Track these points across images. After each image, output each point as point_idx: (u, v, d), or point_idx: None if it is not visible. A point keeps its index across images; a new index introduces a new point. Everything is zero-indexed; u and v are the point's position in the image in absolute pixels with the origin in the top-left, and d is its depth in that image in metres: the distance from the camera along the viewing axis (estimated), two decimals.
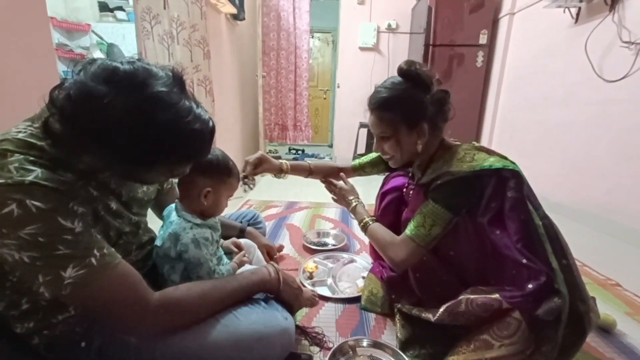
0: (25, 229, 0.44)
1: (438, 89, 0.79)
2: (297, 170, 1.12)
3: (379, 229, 0.87)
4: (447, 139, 0.86)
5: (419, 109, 0.78)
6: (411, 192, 0.90)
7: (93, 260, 0.49)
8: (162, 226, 0.80)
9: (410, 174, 0.95)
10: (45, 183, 0.46)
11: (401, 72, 0.79)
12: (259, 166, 1.05)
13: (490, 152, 0.78)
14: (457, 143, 0.85)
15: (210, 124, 0.56)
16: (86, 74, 0.46)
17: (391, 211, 0.94)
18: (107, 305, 0.52)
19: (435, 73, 0.80)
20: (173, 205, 0.81)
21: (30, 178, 0.45)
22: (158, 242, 0.76)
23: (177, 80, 0.53)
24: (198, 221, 0.76)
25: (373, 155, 1.12)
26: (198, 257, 0.72)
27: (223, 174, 0.79)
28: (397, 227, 0.88)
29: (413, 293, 0.90)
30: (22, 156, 0.46)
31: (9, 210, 0.43)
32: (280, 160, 1.09)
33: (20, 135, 0.49)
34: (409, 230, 0.78)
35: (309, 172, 1.13)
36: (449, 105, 0.81)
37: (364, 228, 0.89)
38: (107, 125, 0.46)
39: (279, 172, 1.09)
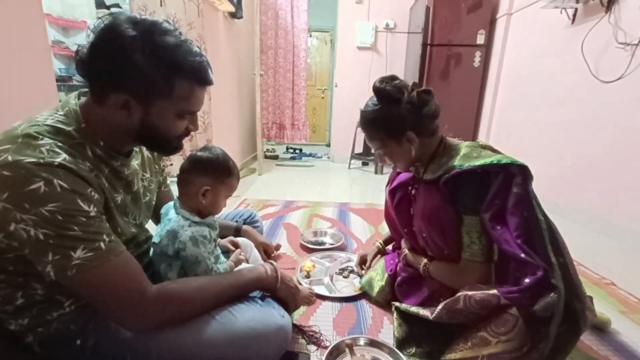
0: (47, 206, 0.47)
1: (418, 90, 0.80)
2: (387, 244, 1.21)
3: (438, 265, 0.87)
4: (449, 137, 0.87)
5: (397, 123, 0.81)
6: (415, 189, 0.91)
7: (102, 244, 0.52)
8: (161, 223, 0.80)
9: (414, 171, 0.96)
10: (71, 166, 0.50)
11: (374, 91, 0.83)
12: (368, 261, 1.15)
13: (495, 150, 0.79)
14: (460, 140, 0.86)
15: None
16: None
17: (404, 209, 0.94)
18: (107, 291, 0.53)
19: (407, 82, 0.82)
20: (171, 203, 0.81)
21: (59, 160, 0.49)
22: (156, 239, 0.76)
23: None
24: (196, 219, 0.76)
25: None
26: (196, 254, 0.72)
27: (222, 174, 0.78)
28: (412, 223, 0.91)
29: (420, 294, 0.91)
30: (52, 140, 0.51)
31: (36, 186, 0.46)
32: (376, 244, 1.19)
33: (49, 121, 0.53)
34: (464, 254, 0.78)
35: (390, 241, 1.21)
36: (431, 103, 0.82)
37: (426, 270, 0.89)
38: (128, 37, 0.52)
39: (379, 254, 1.18)
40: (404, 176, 0.96)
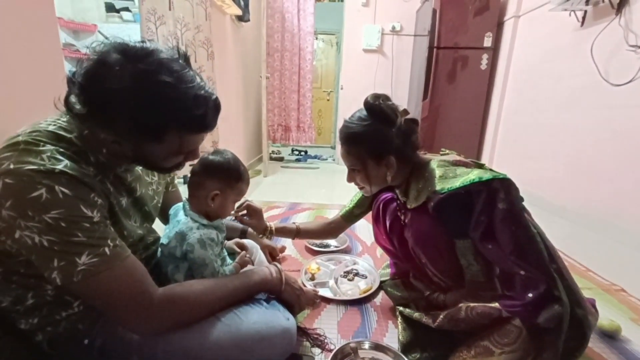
0: (50, 213, 0.47)
1: (406, 118, 0.78)
2: (283, 232, 1.09)
3: (450, 296, 0.84)
4: (419, 155, 0.85)
5: (383, 144, 0.78)
6: (403, 214, 0.88)
7: (106, 249, 0.52)
8: (169, 224, 0.81)
9: (397, 197, 0.93)
10: (72, 173, 0.50)
11: (366, 106, 0.79)
12: (250, 216, 1.03)
13: (468, 165, 0.76)
14: (428, 157, 0.83)
15: (214, 97, 0.58)
16: (102, 49, 0.52)
17: (399, 236, 0.91)
18: (113, 296, 0.53)
19: (399, 107, 0.80)
20: (180, 204, 0.81)
21: (60, 167, 0.49)
22: (164, 241, 0.77)
23: (182, 55, 0.58)
24: (205, 222, 0.76)
25: (356, 197, 1.11)
26: (203, 257, 0.72)
27: (232, 178, 0.78)
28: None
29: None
30: (53, 147, 0.51)
31: (38, 194, 0.46)
32: (268, 223, 1.06)
33: (50, 128, 0.53)
34: (466, 276, 0.77)
35: (295, 234, 1.11)
36: (417, 134, 0.81)
37: (444, 303, 0.87)
38: (118, 88, 0.49)
39: (263, 232, 1.06)
40: (393, 207, 0.93)
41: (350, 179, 0.88)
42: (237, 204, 0.93)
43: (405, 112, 0.79)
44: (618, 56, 1.68)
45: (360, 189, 0.90)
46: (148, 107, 0.51)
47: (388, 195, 0.97)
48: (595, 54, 1.79)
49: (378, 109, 0.77)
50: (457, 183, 0.70)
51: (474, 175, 0.69)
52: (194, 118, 0.55)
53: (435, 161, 0.79)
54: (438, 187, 0.72)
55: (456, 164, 0.77)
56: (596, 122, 1.83)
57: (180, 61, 0.56)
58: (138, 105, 0.50)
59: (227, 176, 0.77)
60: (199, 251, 0.72)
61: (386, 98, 0.79)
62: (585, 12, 1.87)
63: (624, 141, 1.66)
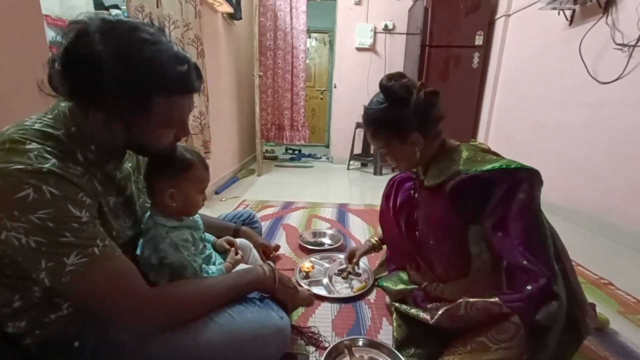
0: (37, 213, 0.46)
1: (425, 90, 0.77)
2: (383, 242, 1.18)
3: (449, 287, 0.84)
4: (449, 140, 0.85)
5: (403, 124, 0.78)
6: (417, 193, 0.89)
7: (95, 249, 0.51)
8: (142, 234, 0.75)
9: (414, 176, 0.94)
10: (60, 172, 0.49)
11: (381, 89, 0.80)
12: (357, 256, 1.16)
13: (495, 153, 0.77)
14: (456, 142, 0.84)
15: (193, 61, 0.58)
16: (81, 19, 0.52)
17: (407, 215, 0.91)
18: (104, 296, 0.53)
19: (415, 81, 0.79)
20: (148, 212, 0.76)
21: (47, 166, 0.48)
22: (138, 251, 0.72)
23: (156, 26, 0.57)
24: (175, 224, 0.72)
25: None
26: (180, 260, 0.69)
27: (180, 170, 0.70)
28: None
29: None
30: (40, 146, 0.49)
31: (25, 194, 0.45)
32: (372, 240, 1.18)
33: (36, 126, 0.52)
34: (474, 264, 0.76)
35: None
36: (438, 106, 0.80)
37: (442, 293, 0.86)
38: (100, 50, 0.49)
39: (372, 251, 1.18)
40: (407, 187, 0.93)
41: (382, 159, 0.91)
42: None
43: (423, 85, 0.78)
44: (605, 54, 1.71)
45: (394, 168, 0.92)
46: (132, 68, 0.50)
47: (405, 176, 0.98)
48: (583, 53, 1.82)
49: (390, 91, 0.78)
50: (484, 167, 0.70)
51: (502, 162, 0.70)
52: (177, 75, 0.54)
53: (465, 144, 0.81)
54: (462, 167, 0.73)
55: (485, 150, 0.78)
56: (585, 120, 1.86)
57: (154, 28, 0.56)
58: (122, 68, 0.49)
59: (173, 170, 0.70)
60: (173, 255, 0.69)
61: (400, 76, 0.79)
62: (574, 11, 1.90)
63: (613, 138, 1.69)
